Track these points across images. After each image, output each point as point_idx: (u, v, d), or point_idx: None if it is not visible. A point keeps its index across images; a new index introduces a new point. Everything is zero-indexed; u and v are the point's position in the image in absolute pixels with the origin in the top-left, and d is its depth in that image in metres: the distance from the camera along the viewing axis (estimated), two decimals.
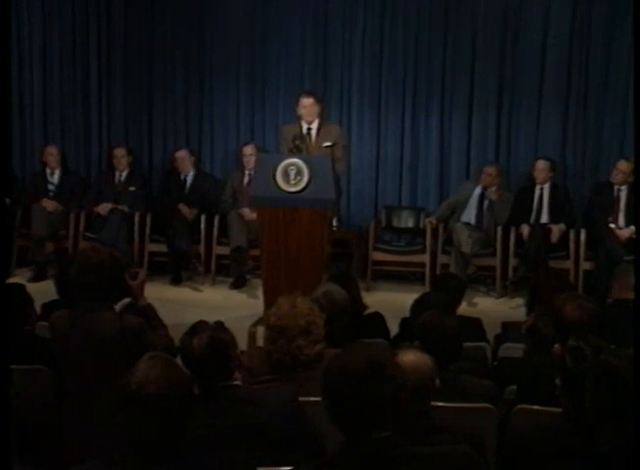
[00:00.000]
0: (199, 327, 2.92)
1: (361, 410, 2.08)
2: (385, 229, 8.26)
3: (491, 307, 7.10)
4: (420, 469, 2.14)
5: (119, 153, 8.25)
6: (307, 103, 6.70)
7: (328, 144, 6.50)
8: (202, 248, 7.83)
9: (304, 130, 6.69)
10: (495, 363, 4.27)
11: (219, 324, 3.00)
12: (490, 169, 7.76)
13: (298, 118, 6.79)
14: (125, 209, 8.00)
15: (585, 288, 7.11)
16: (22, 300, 4.02)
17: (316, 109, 6.73)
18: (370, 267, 7.81)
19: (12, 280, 6.80)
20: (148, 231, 7.98)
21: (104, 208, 7.98)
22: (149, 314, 3.69)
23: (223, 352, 2.85)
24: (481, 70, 8.04)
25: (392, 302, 6.79)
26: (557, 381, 2.73)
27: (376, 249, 7.88)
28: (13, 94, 8.16)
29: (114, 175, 8.28)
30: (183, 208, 7.85)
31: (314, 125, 6.73)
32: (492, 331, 4.86)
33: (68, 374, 3.52)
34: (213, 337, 2.85)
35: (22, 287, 4.24)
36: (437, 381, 2.84)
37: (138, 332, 3.42)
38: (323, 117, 6.90)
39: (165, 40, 8.47)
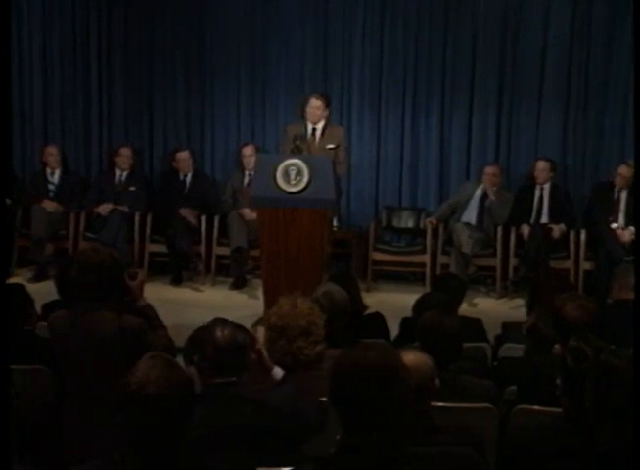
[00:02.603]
0: (218, 321, 2.94)
1: (373, 410, 2.07)
2: (385, 229, 8.26)
3: (492, 308, 7.09)
4: (421, 469, 2.14)
5: (126, 152, 8.24)
6: (315, 104, 6.75)
7: (331, 146, 6.55)
8: (202, 248, 7.84)
9: (309, 131, 6.74)
10: (495, 363, 4.27)
11: None
12: (493, 170, 7.75)
13: (304, 118, 6.82)
14: (125, 209, 7.99)
15: (585, 288, 7.10)
16: (22, 300, 4.02)
17: (322, 112, 6.78)
18: (370, 268, 7.80)
19: (12, 280, 6.80)
20: (148, 231, 7.97)
21: (104, 208, 7.97)
22: (148, 315, 3.68)
23: (241, 350, 2.87)
24: (481, 70, 8.03)
25: (393, 302, 6.80)
26: (557, 381, 2.73)
27: (376, 249, 7.87)
28: (13, 94, 8.15)
29: (114, 175, 8.28)
30: (186, 212, 7.84)
31: (319, 127, 6.79)
32: (493, 331, 4.86)
33: (68, 374, 3.52)
34: (236, 331, 2.89)
35: (22, 287, 4.25)
36: (437, 381, 2.84)
37: (138, 332, 3.42)
38: (329, 120, 6.92)
39: (165, 40, 8.47)
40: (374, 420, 2.08)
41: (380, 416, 2.08)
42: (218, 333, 2.84)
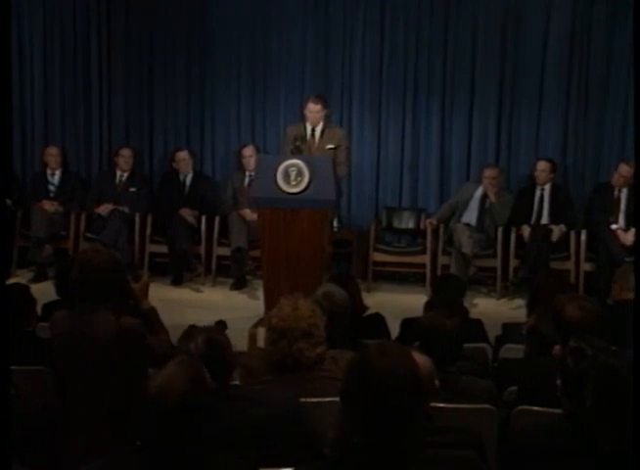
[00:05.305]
0: (192, 332, 2.91)
1: (388, 412, 2.07)
2: (385, 230, 8.26)
3: (492, 308, 7.09)
4: None
5: (127, 153, 8.24)
6: (314, 109, 6.77)
7: (331, 146, 6.55)
8: (202, 248, 7.84)
9: (309, 131, 6.75)
10: (496, 364, 4.26)
11: (221, 323, 3.00)
12: (491, 172, 7.72)
13: (304, 119, 6.82)
14: (126, 209, 7.99)
15: (586, 289, 7.11)
16: (24, 300, 4.01)
17: (322, 115, 6.79)
18: (370, 268, 7.80)
19: (12, 281, 6.80)
20: (148, 232, 7.97)
21: (104, 208, 7.97)
22: (150, 318, 3.66)
23: (221, 353, 2.86)
24: (481, 71, 8.03)
25: (393, 302, 6.81)
26: (557, 382, 2.73)
27: (376, 249, 7.87)
28: (14, 94, 8.16)
29: (114, 176, 8.28)
30: (185, 212, 7.85)
31: (319, 128, 6.82)
32: (493, 332, 4.86)
33: (68, 375, 3.52)
34: (209, 339, 2.86)
35: (25, 288, 4.24)
36: (437, 382, 2.84)
37: (135, 333, 3.41)
38: (328, 120, 6.93)
39: (166, 40, 8.47)
40: (388, 423, 2.07)
41: (395, 419, 2.07)
42: (192, 346, 2.83)
